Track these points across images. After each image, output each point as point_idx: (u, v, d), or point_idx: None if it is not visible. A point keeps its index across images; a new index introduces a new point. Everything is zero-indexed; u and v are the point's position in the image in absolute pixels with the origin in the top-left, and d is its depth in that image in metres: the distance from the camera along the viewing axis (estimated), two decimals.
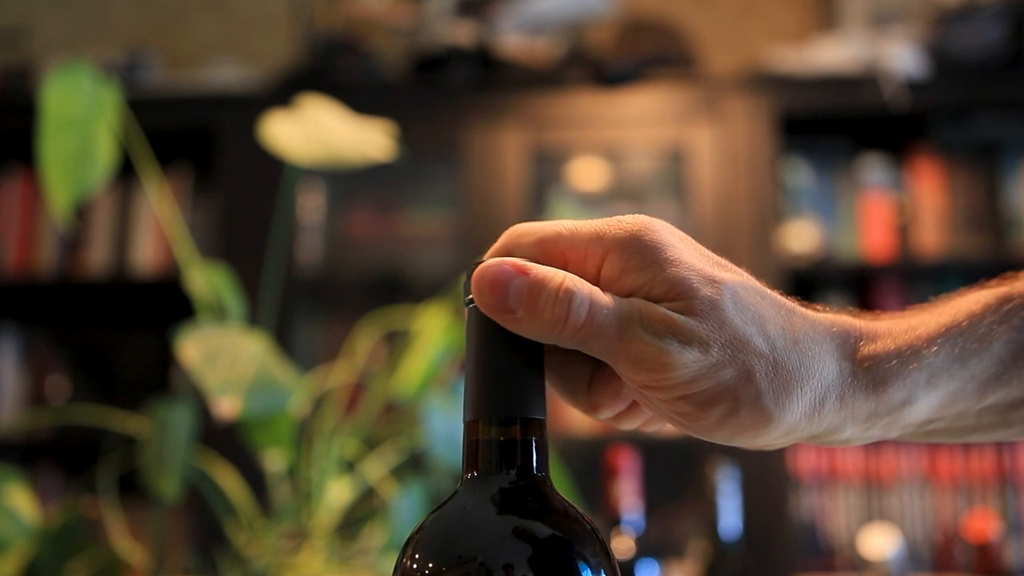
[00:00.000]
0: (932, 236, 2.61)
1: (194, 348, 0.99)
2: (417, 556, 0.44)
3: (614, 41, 2.78)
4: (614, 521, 1.25)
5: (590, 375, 0.52)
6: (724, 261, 0.50)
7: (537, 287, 0.46)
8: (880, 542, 2.09)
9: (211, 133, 2.63)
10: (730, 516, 1.30)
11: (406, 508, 1.09)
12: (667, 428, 0.54)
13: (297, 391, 1.02)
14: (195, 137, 2.65)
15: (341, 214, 2.78)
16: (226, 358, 0.99)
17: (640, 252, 0.48)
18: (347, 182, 2.69)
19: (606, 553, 0.45)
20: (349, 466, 1.14)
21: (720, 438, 0.50)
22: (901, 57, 2.53)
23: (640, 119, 2.61)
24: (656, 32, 2.77)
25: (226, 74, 2.79)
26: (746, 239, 2.51)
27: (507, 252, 0.50)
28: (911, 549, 2.46)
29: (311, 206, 2.67)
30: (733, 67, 2.86)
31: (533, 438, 0.47)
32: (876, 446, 2.57)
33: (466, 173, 2.59)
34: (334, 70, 2.67)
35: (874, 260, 2.61)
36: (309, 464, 1.10)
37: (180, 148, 2.69)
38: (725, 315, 0.47)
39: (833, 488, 2.57)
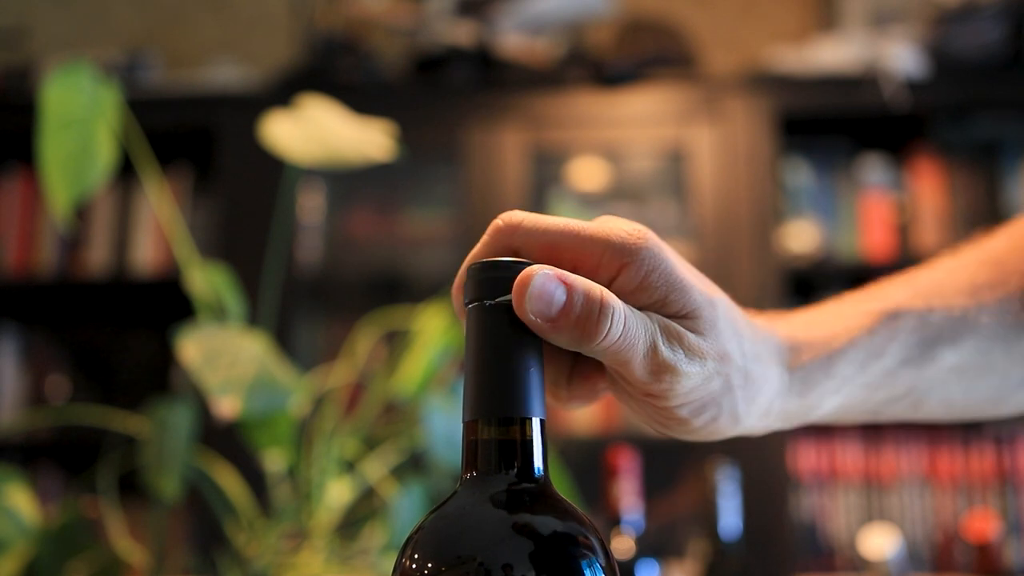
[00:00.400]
0: (932, 236, 2.61)
1: (194, 348, 0.99)
2: (416, 556, 0.44)
3: (614, 41, 2.78)
4: (614, 521, 1.25)
5: (570, 370, 0.55)
6: (702, 275, 0.55)
7: (580, 301, 0.47)
8: (880, 542, 2.09)
9: (211, 133, 2.63)
10: (730, 516, 1.30)
11: (406, 508, 1.09)
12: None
13: (297, 391, 1.02)
14: (195, 137, 2.65)
15: (341, 214, 2.78)
16: (226, 358, 0.99)
17: (656, 269, 0.50)
18: (347, 182, 2.69)
19: (605, 553, 0.45)
20: (349, 466, 1.14)
21: (691, 437, 0.55)
22: (901, 57, 2.53)
23: (640, 119, 2.61)
24: (656, 32, 2.77)
25: (226, 74, 2.79)
26: (746, 239, 2.51)
27: (508, 245, 0.50)
28: (911, 549, 2.46)
29: (311, 206, 2.67)
30: (733, 67, 2.86)
31: (533, 438, 0.47)
32: (876, 446, 2.57)
33: (466, 173, 2.59)
34: (334, 70, 2.67)
35: (874, 260, 2.61)
36: (309, 464, 1.10)
37: (180, 148, 2.69)
38: (719, 332, 0.52)
39: (833, 488, 2.57)
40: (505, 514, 0.45)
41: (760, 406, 0.55)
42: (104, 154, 1.09)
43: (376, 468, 1.14)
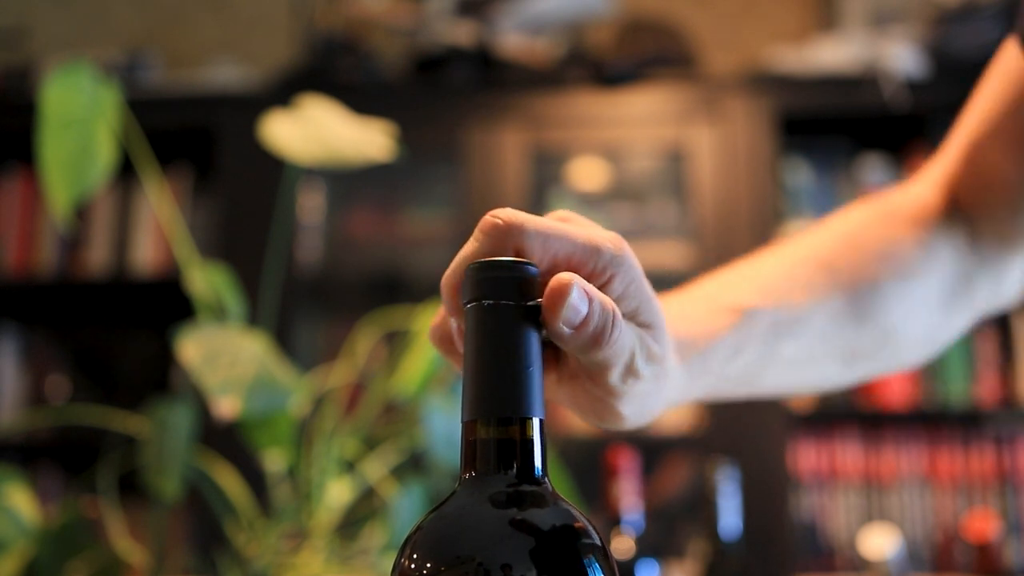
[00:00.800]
0: None
1: (194, 348, 0.99)
2: (415, 556, 0.44)
3: (614, 41, 2.78)
4: (614, 521, 1.25)
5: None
6: None
7: (598, 312, 0.50)
8: (880, 542, 2.09)
9: (211, 133, 2.63)
10: (730, 516, 1.30)
11: (406, 508, 1.09)
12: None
13: (297, 391, 1.02)
14: (195, 137, 2.65)
15: (341, 214, 2.78)
16: (226, 358, 0.99)
17: (635, 280, 0.53)
18: (347, 182, 2.69)
19: (604, 553, 0.45)
20: (349, 466, 1.14)
21: (616, 428, 0.58)
22: (901, 57, 2.53)
23: (640, 119, 2.61)
24: (656, 32, 2.77)
25: (226, 74, 2.79)
26: (746, 239, 2.51)
27: (507, 245, 0.50)
28: (911, 549, 2.46)
29: (311, 206, 2.67)
30: (733, 67, 2.87)
31: (531, 438, 0.47)
32: (876, 446, 2.57)
33: (466, 173, 2.59)
34: (334, 70, 2.67)
35: None
36: (309, 464, 1.10)
37: (180, 148, 2.69)
38: (667, 338, 0.56)
39: (833, 488, 2.57)
40: (504, 514, 0.45)
41: (673, 399, 0.61)
42: (104, 154, 1.09)
43: (376, 468, 1.14)
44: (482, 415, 0.47)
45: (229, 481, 1.11)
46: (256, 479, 1.14)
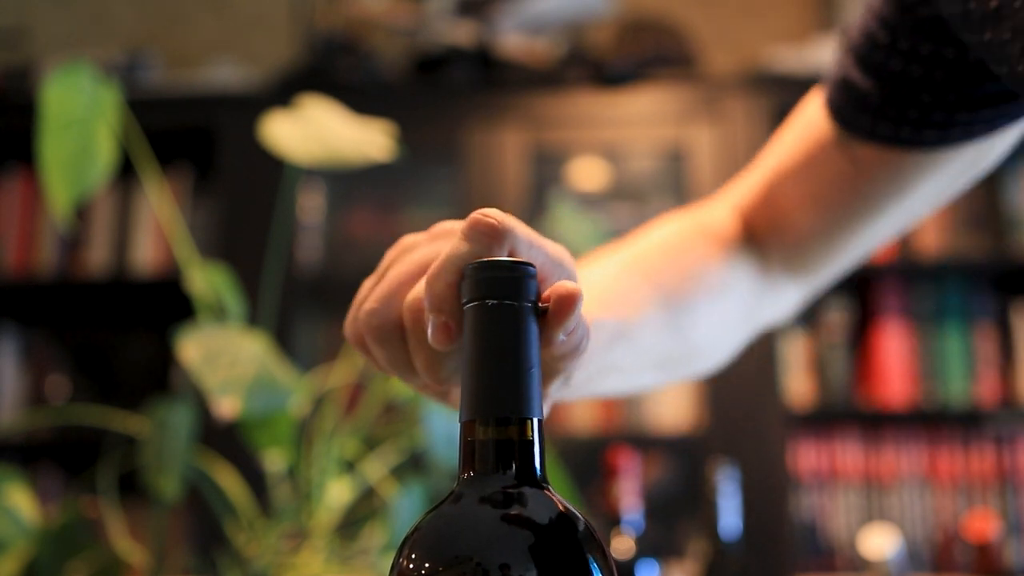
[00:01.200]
0: (932, 236, 2.61)
1: (194, 348, 0.99)
2: (414, 556, 0.44)
3: (614, 41, 2.78)
4: (614, 521, 1.25)
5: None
6: None
7: (583, 324, 0.52)
8: (880, 542, 2.09)
9: (211, 133, 2.63)
10: (730, 516, 1.30)
11: (406, 508, 1.09)
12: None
13: (297, 391, 1.02)
14: (195, 137, 2.65)
15: (341, 214, 2.78)
16: (226, 358, 0.99)
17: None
18: (347, 182, 2.69)
19: (603, 553, 0.45)
20: (349, 466, 1.14)
21: None
22: None
23: (640, 119, 2.61)
24: (656, 32, 2.77)
25: (226, 74, 2.79)
26: None
27: (500, 246, 0.52)
28: (911, 549, 2.46)
29: (311, 206, 2.67)
30: (733, 67, 2.87)
31: (530, 438, 0.47)
32: (876, 446, 2.57)
33: (466, 173, 2.59)
34: (334, 70, 2.67)
35: (874, 260, 2.61)
36: (309, 464, 1.11)
37: (180, 148, 2.69)
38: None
39: (833, 488, 2.57)
40: (503, 514, 0.45)
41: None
42: (104, 154, 1.09)
43: (376, 468, 1.14)
44: (481, 415, 0.47)
45: (229, 481, 1.11)
46: (256, 479, 1.14)
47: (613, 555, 0.53)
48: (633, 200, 2.74)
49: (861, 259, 0.87)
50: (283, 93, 1.91)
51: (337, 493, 1.10)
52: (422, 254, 0.57)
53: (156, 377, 2.73)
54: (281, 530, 1.08)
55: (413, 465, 1.21)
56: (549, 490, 0.47)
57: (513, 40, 2.69)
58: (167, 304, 2.27)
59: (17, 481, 1.10)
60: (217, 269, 1.15)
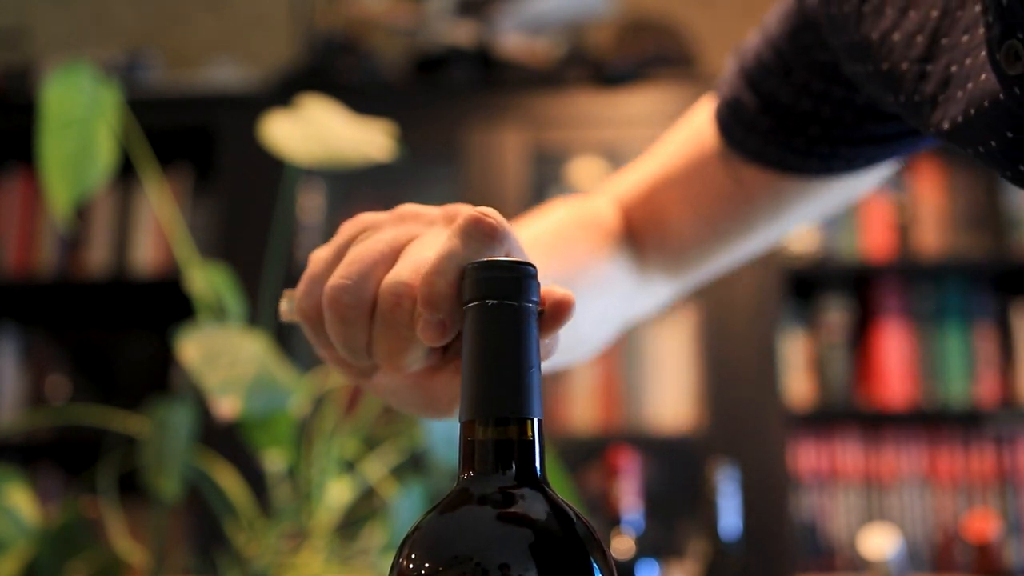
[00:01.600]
0: (932, 236, 2.61)
1: (194, 348, 0.99)
2: (413, 556, 0.44)
3: (614, 41, 2.78)
4: (614, 521, 1.25)
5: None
6: None
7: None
8: (880, 542, 2.09)
9: (211, 133, 2.63)
10: (730, 516, 1.30)
11: (406, 508, 1.09)
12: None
13: (297, 391, 1.02)
14: (195, 137, 2.65)
15: (341, 214, 2.78)
16: (226, 358, 0.99)
17: None
18: (347, 182, 2.69)
19: (602, 553, 0.45)
20: (349, 466, 1.14)
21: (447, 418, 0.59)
22: None
23: (640, 119, 2.61)
24: (656, 32, 2.77)
25: (226, 74, 2.79)
26: None
27: (500, 247, 0.52)
28: (911, 549, 2.46)
29: (311, 206, 2.67)
30: None
31: (530, 438, 0.47)
32: (876, 446, 2.57)
33: (466, 173, 2.59)
34: (334, 70, 2.67)
35: (874, 260, 2.61)
36: (309, 464, 1.11)
37: (180, 148, 2.69)
38: None
39: (833, 488, 2.57)
40: (502, 514, 0.45)
41: None
42: (104, 154, 1.09)
43: (376, 468, 1.14)
44: (481, 415, 0.47)
45: (229, 481, 1.11)
46: (256, 479, 1.14)
47: (613, 555, 0.53)
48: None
49: (732, 265, 0.90)
50: (283, 93, 1.91)
51: (337, 493, 1.10)
52: (392, 235, 0.55)
53: (156, 377, 2.73)
54: (281, 530, 1.08)
55: (413, 465, 1.21)
56: (549, 490, 0.47)
57: (513, 40, 2.69)
58: (167, 304, 2.27)
59: (17, 481, 1.10)
60: (217, 269, 1.15)
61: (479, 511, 0.45)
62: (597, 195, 0.89)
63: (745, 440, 2.44)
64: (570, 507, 0.46)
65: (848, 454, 2.58)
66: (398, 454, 1.17)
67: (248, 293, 1.21)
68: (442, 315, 0.50)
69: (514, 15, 2.68)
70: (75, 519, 1.10)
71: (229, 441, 1.16)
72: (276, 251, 1.89)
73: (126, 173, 1.63)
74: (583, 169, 2.76)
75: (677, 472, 2.60)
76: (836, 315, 2.64)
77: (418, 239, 0.55)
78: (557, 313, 0.51)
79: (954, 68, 0.60)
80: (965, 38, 0.60)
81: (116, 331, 2.89)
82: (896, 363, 2.59)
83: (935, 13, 0.62)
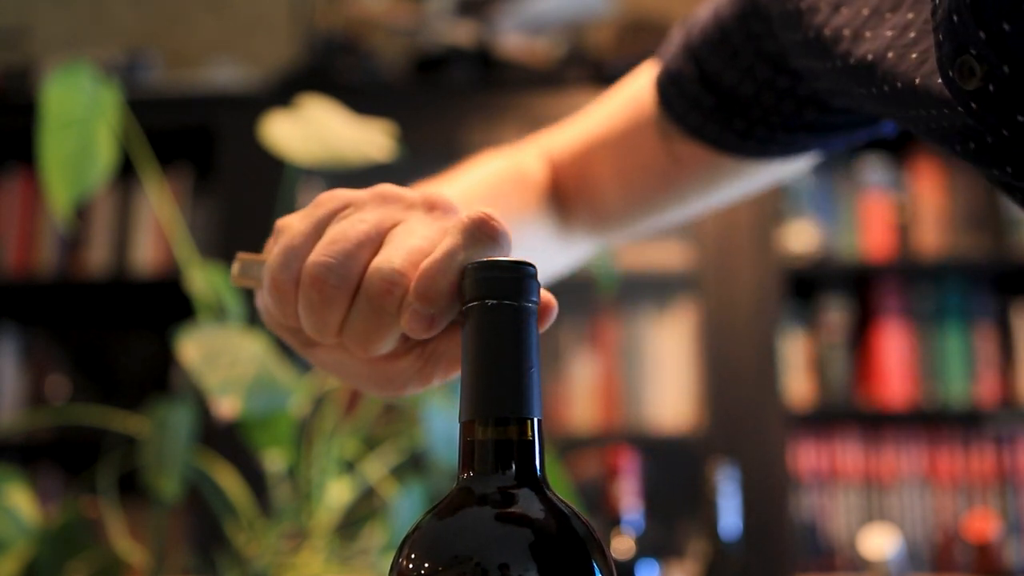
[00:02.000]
0: (932, 236, 2.61)
1: (194, 348, 0.99)
2: (413, 556, 0.44)
3: (614, 41, 2.78)
4: (614, 521, 1.25)
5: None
6: None
7: None
8: (880, 542, 2.09)
9: (211, 133, 2.63)
10: (730, 516, 1.30)
11: (406, 508, 1.09)
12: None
13: (297, 391, 1.02)
14: (195, 137, 2.65)
15: None
16: (226, 358, 0.99)
17: None
18: (347, 182, 2.69)
19: (601, 552, 0.45)
20: (349, 466, 1.14)
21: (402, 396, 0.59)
22: None
23: None
24: (656, 32, 2.77)
25: (226, 74, 2.79)
26: (746, 239, 2.51)
27: (502, 248, 0.52)
28: (911, 549, 2.46)
29: None
30: None
31: (529, 438, 0.47)
32: (876, 446, 2.57)
33: None
34: (334, 70, 2.67)
35: (874, 260, 2.61)
36: (309, 464, 1.11)
37: (180, 148, 2.69)
38: None
39: (833, 488, 2.57)
40: (502, 514, 0.45)
41: None
42: (104, 154, 1.09)
43: (376, 468, 1.14)
44: (480, 415, 0.47)
45: (229, 481, 1.11)
46: (256, 479, 1.14)
47: (613, 555, 0.53)
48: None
49: (656, 230, 0.91)
50: (283, 93, 1.91)
51: (337, 493, 1.10)
52: (376, 217, 0.54)
53: (156, 377, 2.73)
54: (281, 530, 1.08)
55: (413, 465, 1.21)
56: (549, 490, 0.47)
57: (513, 40, 2.69)
58: (167, 304, 2.27)
59: (17, 481, 1.10)
60: (217, 269, 1.15)
61: (479, 511, 0.45)
62: (528, 148, 0.90)
63: (745, 440, 2.44)
64: (569, 507, 0.46)
65: (848, 454, 2.58)
66: (398, 454, 1.17)
67: (248, 293, 1.21)
68: (435, 310, 0.51)
69: (514, 15, 2.68)
70: (75, 519, 1.10)
71: (229, 441, 1.16)
72: None
73: (126, 173, 1.63)
74: None
75: (677, 472, 2.60)
76: (836, 315, 2.64)
77: (403, 225, 0.54)
78: (544, 315, 0.52)
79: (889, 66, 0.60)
80: (889, 33, 0.60)
81: (116, 331, 2.88)
82: (896, 363, 2.59)
83: (865, 11, 0.63)
